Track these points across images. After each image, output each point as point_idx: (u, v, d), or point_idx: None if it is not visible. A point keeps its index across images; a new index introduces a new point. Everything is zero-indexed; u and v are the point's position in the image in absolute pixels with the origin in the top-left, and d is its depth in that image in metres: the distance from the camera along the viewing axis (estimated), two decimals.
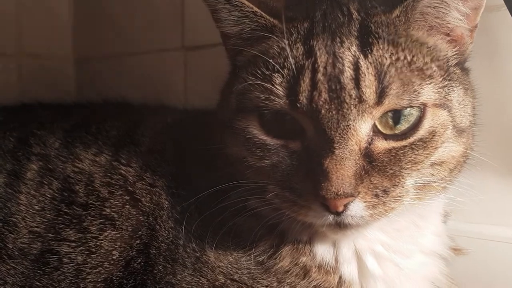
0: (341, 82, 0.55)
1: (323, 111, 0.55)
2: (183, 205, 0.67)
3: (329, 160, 0.54)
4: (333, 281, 0.63)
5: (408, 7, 0.58)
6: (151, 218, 0.69)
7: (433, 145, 0.57)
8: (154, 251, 0.67)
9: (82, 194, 0.72)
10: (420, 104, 0.56)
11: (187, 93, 1.24)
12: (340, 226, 0.56)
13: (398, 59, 0.55)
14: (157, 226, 0.68)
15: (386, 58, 0.55)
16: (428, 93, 0.56)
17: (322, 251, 0.64)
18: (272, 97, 0.57)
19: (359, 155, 0.55)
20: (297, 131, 0.58)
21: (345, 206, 0.54)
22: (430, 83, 0.56)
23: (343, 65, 0.55)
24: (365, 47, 0.56)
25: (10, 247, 0.71)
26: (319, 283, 0.63)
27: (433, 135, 0.57)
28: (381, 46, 0.56)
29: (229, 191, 0.63)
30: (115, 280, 0.67)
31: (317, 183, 0.54)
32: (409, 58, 0.56)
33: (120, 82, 1.36)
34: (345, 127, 0.54)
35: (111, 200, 0.71)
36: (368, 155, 0.55)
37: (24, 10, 1.38)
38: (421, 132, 0.56)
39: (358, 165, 0.54)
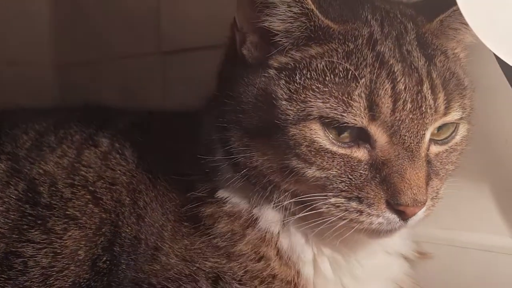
0: (422, 92, 0.55)
1: (407, 122, 0.55)
2: (145, 200, 0.69)
3: (410, 169, 0.54)
4: (291, 274, 0.64)
5: (444, 21, 0.61)
6: (113, 215, 0.70)
7: (461, 148, 0.62)
8: (118, 249, 0.68)
9: (46, 195, 0.73)
10: (466, 115, 0.60)
11: (166, 98, 1.25)
12: (392, 231, 0.58)
13: (453, 73, 0.58)
14: (120, 223, 0.69)
15: (446, 71, 0.58)
16: (468, 106, 0.60)
17: (287, 246, 0.65)
18: (350, 108, 0.54)
19: (425, 162, 0.57)
20: (361, 138, 0.56)
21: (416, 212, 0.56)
22: (466, 96, 0.60)
23: (419, 75, 0.56)
24: (429, 59, 0.57)
25: None
26: (277, 273, 0.64)
27: (463, 140, 0.62)
28: (440, 59, 0.58)
29: (195, 182, 0.65)
30: (82, 283, 0.68)
31: (395, 193, 0.54)
32: (455, 71, 0.59)
33: (101, 87, 1.36)
34: (421, 136, 0.56)
35: (74, 200, 0.72)
36: (428, 161, 0.58)
37: (1, 16, 1.37)
38: (458, 137, 0.61)
39: (426, 171, 0.56)
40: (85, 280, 0.68)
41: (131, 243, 0.67)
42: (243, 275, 0.63)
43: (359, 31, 0.57)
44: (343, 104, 0.54)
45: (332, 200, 0.57)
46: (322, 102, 0.54)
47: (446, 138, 0.60)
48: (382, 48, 0.56)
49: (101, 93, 1.33)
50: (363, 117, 0.54)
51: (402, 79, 0.55)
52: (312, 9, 0.57)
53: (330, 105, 0.54)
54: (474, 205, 0.81)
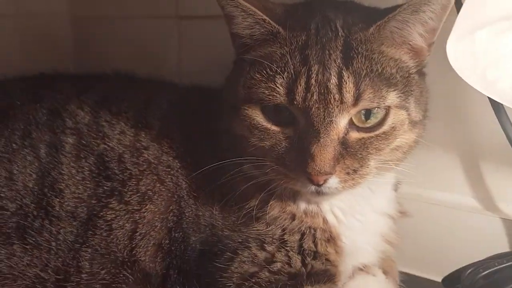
0: (328, 87, 0.69)
1: (313, 109, 0.69)
2: (196, 183, 0.80)
3: (315, 146, 0.68)
4: (319, 222, 0.79)
5: (380, 26, 0.72)
6: (176, 196, 0.81)
7: (393, 136, 0.72)
8: (185, 225, 0.80)
9: (117, 171, 0.82)
10: (385, 106, 0.71)
11: (181, 64, 1.31)
12: (319, 193, 0.72)
13: (371, 70, 0.70)
14: (182, 204, 0.81)
15: (363, 70, 0.70)
16: (392, 98, 0.71)
17: (305, 203, 0.80)
18: (274, 93, 0.70)
19: (338, 143, 0.69)
20: (291, 120, 0.71)
21: (325, 180, 0.69)
22: (394, 90, 0.71)
23: (330, 74, 0.69)
24: (348, 60, 0.70)
25: (57, 209, 0.81)
26: (309, 224, 0.79)
27: (394, 129, 0.72)
28: (359, 60, 0.70)
29: (230, 164, 0.76)
30: (164, 246, 0.80)
31: (305, 163, 0.68)
32: (380, 70, 0.71)
33: (115, 45, 1.40)
34: (329, 122, 0.69)
35: (143, 179, 0.82)
36: (344, 143, 0.70)
37: None
38: (385, 127, 0.71)
39: (336, 151, 0.69)
40: (166, 244, 0.80)
41: (194, 220, 0.80)
42: (282, 233, 0.78)
43: (299, 37, 0.72)
44: (270, 89, 0.70)
45: (268, 163, 0.72)
46: (260, 90, 0.71)
47: (372, 126, 0.70)
48: (309, 51, 0.70)
49: (115, 51, 1.39)
50: (284, 99, 0.70)
51: (315, 76, 0.69)
52: (264, 19, 0.73)
53: (263, 90, 0.71)
54: (442, 167, 0.98)
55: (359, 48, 0.71)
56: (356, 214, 0.83)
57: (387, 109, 0.72)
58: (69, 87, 0.96)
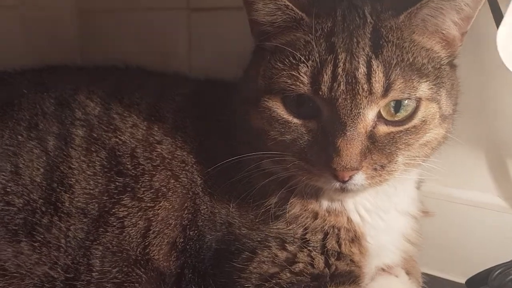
0: (356, 76, 0.65)
1: (340, 100, 0.65)
2: (211, 179, 0.77)
3: (341, 140, 0.64)
4: (343, 220, 0.76)
5: (412, 13, 0.68)
6: (190, 193, 0.78)
7: (423, 131, 0.69)
8: (200, 223, 0.77)
9: (129, 166, 0.79)
10: (416, 98, 0.67)
11: (191, 57, 1.28)
12: (344, 190, 0.68)
13: (402, 60, 0.66)
14: (197, 201, 0.78)
15: (393, 59, 0.66)
16: (423, 89, 0.67)
17: (328, 201, 0.76)
18: (298, 83, 0.66)
19: (365, 137, 0.66)
20: (315, 112, 0.68)
21: (350, 176, 0.66)
22: (426, 81, 0.67)
23: (358, 62, 0.66)
24: (377, 49, 0.66)
25: (67, 205, 0.77)
26: (333, 223, 0.75)
27: (424, 123, 0.68)
28: (390, 49, 0.66)
29: (248, 159, 0.72)
30: (178, 245, 0.77)
31: (329, 157, 0.65)
32: (411, 59, 0.67)
33: (123, 38, 1.37)
34: (356, 114, 0.65)
35: (157, 175, 0.78)
36: (371, 136, 0.66)
37: None
38: (415, 120, 0.68)
39: (364, 145, 0.65)
40: (180, 242, 0.77)
41: (209, 218, 0.77)
42: (304, 233, 0.75)
43: (325, 24, 0.69)
44: (293, 78, 0.67)
45: (289, 158, 0.69)
46: (282, 79, 0.68)
47: (402, 120, 0.67)
48: (336, 39, 0.67)
49: (122, 44, 1.35)
50: (308, 89, 0.66)
51: (342, 64, 0.65)
52: (287, 5, 0.69)
53: (285, 79, 0.67)
54: (467, 164, 0.95)
55: (389, 36, 0.67)
56: (380, 212, 0.79)
57: (418, 101, 0.68)
58: (78, 78, 0.93)
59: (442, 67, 0.71)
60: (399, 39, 0.67)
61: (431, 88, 0.68)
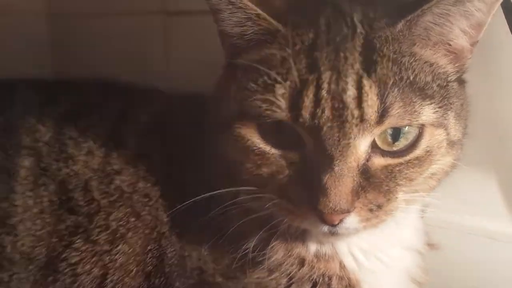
0: (344, 100, 0.55)
1: (325, 129, 0.55)
2: (180, 217, 0.68)
3: (328, 176, 0.55)
4: (335, 267, 0.68)
5: (412, 21, 0.57)
6: (155, 234, 0.70)
7: (428, 162, 0.59)
8: (167, 269, 0.69)
9: (82, 203, 0.71)
10: (419, 125, 0.57)
11: (169, 63, 1.21)
12: (333, 234, 0.60)
13: (401, 78, 0.56)
14: (163, 242, 0.70)
15: (389, 78, 0.55)
16: (427, 113, 0.57)
17: (317, 244, 0.68)
18: (274, 107, 0.57)
19: (357, 172, 0.56)
20: (296, 142, 0.58)
21: (341, 219, 0.57)
22: (430, 103, 0.57)
23: (346, 83, 0.55)
24: (369, 65, 0.56)
25: (8, 251, 0.70)
26: (323, 271, 0.67)
27: (429, 154, 0.59)
28: (385, 65, 0.56)
29: (223, 195, 0.64)
30: None
31: (314, 198, 0.55)
32: (411, 77, 0.56)
33: (96, 43, 1.30)
34: (346, 145, 0.55)
35: (114, 213, 0.71)
36: (365, 171, 0.57)
37: None
38: (418, 151, 0.58)
39: (356, 182, 0.56)
40: None
41: (178, 263, 0.69)
42: (289, 283, 0.66)
43: (305, 35, 0.59)
44: (268, 103, 0.57)
45: (268, 196, 0.60)
46: (256, 103, 0.58)
47: (402, 150, 0.58)
48: (319, 54, 0.57)
49: (96, 50, 1.28)
50: (287, 115, 0.56)
51: (327, 85, 0.55)
52: (258, 14, 0.59)
53: (259, 103, 0.58)
54: (478, 190, 0.85)
55: (384, 49, 0.57)
56: (379, 253, 0.70)
57: (421, 128, 0.58)
58: (30, 97, 0.84)
59: (450, 84, 0.61)
60: (397, 53, 0.57)
61: (437, 111, 0.58)
